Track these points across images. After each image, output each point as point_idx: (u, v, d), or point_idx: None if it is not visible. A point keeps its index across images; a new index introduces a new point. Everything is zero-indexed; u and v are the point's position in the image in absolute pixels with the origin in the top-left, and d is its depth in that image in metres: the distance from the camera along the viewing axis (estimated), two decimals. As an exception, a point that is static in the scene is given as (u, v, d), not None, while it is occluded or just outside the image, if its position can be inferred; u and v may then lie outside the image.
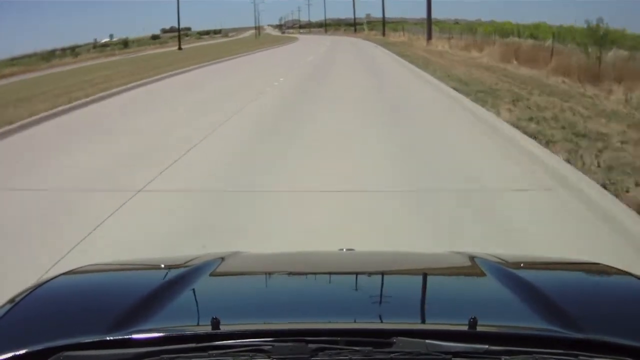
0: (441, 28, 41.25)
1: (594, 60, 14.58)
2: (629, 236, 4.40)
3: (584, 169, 6.06)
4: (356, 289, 1.55)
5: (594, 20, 16.34)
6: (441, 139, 8.31)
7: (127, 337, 1.15)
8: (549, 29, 24.36)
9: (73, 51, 63.85)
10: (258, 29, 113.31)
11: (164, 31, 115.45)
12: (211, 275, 1.59)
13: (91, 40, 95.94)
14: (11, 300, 1.42)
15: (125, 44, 78.76)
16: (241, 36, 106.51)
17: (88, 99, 14.71)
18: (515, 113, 9.49)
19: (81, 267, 1.77)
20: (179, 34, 55.46)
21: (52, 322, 1.33)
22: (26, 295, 1.44)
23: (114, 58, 46.55)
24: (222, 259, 1.77)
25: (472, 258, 1.72)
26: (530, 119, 8.81)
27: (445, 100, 12.36)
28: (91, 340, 1.15)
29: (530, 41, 21.95)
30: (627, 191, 5.26)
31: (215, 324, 1.15)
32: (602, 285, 1.67)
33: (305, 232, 4.68)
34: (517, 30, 26.72)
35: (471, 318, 1.15)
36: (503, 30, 27.99)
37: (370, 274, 1.72)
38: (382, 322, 1.31)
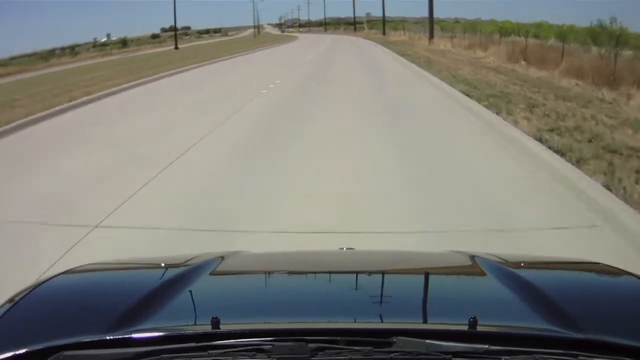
0: (442, 27, 41.08)
1: (607, 61, 13.76)
2: None
3: (629, 199, 4.95)
4: (356, 289, 1.55)
5: (596, 20, 16.06)
6: (456, 157, 7.12)
7: (127, 336, 1.15)
8: (550, 28, 24.22)
9: (72, 50, 63.85)
10: (257, 27, 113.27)
11: (164, 30, 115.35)
12: (211, 274, 1.59)
13: (91, 40, 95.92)
14: (11, 300, 1.42)
15: (124, 43, 78.74)
16: (240, 35, 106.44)
17: (69, 104, 13.76)
18: (534, 122, 8.53)
19: (81, 267, 1.77)
20: (175, 33, 55.26)
21: (51, 321, 1.33)
22: (25, 295, 1.44)
23: (109, 58, 46.28)
24: (222, 258, 1.77)
25: (472, 257, 1.72)
26: (552, 130, 7.85)
27: (455, 107, 11.22)
28: (91, 339, 1.15)
29: (536, 41, 21.38)
30: None
31: (215, 323, 1.15)
32: (602, 285, 1.67)
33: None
34: (518, 30, 26.57)
35: (471, 318, 1.15)
36: (504, 30, 27.81)
37: (370, 273, 1.72)
38: (382, 321, 1.31)
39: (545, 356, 1.07)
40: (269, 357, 1.06)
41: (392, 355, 1.06)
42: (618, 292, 1.56)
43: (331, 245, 3.31)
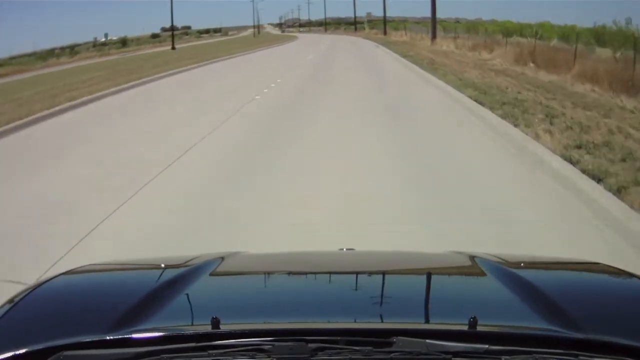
0: (444, 27, 40.67)
1: (623, 65, 12.78)
2: None
3: None
4: (356, 289, 1.55)
5: (600, 21, 15.63)
6: (475, 181, 6.10)
7: (127, 336, 1.15)
8: (552, 28, 24.00)
9: (72, 50, 63.86)
10: (257, 27, 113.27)
11: (164, 30, 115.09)
12: (211, 274, 1.59)
13: (91, 39, 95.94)
14: (11, 300, 1.42)
15: (123, 42, 78.72)
16: (240, 35, 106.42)
17: (48, 112, 12.75)
18: (557, 136, 7.60)
19: (81, 267, 1.77)
20: (172, 33, 54.80)
21: (51, 321, 1.33)
22: (26, 295, 1.44)
23: (107, 58, 45.48)
24: (222, 258, 1.77)
25: (472, 258, 1.73)
26: (579, 146, 6.94)
27: (468, 117, 10.14)
28: (91, 339, 1.15)
29: (540, 42, 20.53)
30: None
31: (215, 323, 1.15)
32: (602, 285, 1.67)
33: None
34: (520, 30, 26.34)
35: (471, 318, 1.15)
36: (506, 30, 27.57)
37: (370, 273, 1.72)
38: (382, 321, 1.31)
39: (545, 356, 1.07)
40: (269, 357, 1.06)
41: (392, 355, 1.06)
42: (618, 292, 1.57)
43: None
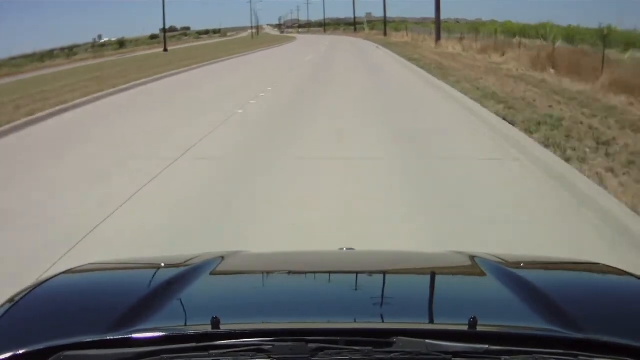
0: (445, 28, 40.25)
1: None
2: None
3: None
4: (356, 289, 1.55)
5: (605, 22, 15.06)
6: None
7: (127, 336, 1.15)
8: (554, 29, 23.77)
9: (71, 51, 63.76)
10: (256, 28, 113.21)
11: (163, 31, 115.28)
12: (211, 274, 1.59)
13: (90, 40, 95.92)
14: (11, 300, 1.41)
15: (121, 44, 78.49)
16: (239, 36, 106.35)
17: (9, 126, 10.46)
18: (622, 178, 5.68)
19: (81, 266, 1.77)
20: (165, 34, 54.18)
21: (52, 321, 1.33)
22: (26, 295, 1.44)
23: (101, 60, 43.72)
24: (222, 258, 1.77)
25: (472, 258, 1.73)
26: None
27: (501, 144, 7.86)
28: (91, 339, 1.15)
29: (543, 43, 19.17)
30: None
31: (216, 323, 1.15)
32: (602, 285, 1.67)
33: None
34: (522, 30, 26.03)
35: (471, 318, 1.15)
36: (509, 30, 27.25)
37: (370, 273, 1.72)
38: (382, 322, 1.31)
39: (545, 356, 1.07)
40: (269, 357, 1.06)
41: (392, 355, 1.06)
42: (618, 292, 1.56)
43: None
